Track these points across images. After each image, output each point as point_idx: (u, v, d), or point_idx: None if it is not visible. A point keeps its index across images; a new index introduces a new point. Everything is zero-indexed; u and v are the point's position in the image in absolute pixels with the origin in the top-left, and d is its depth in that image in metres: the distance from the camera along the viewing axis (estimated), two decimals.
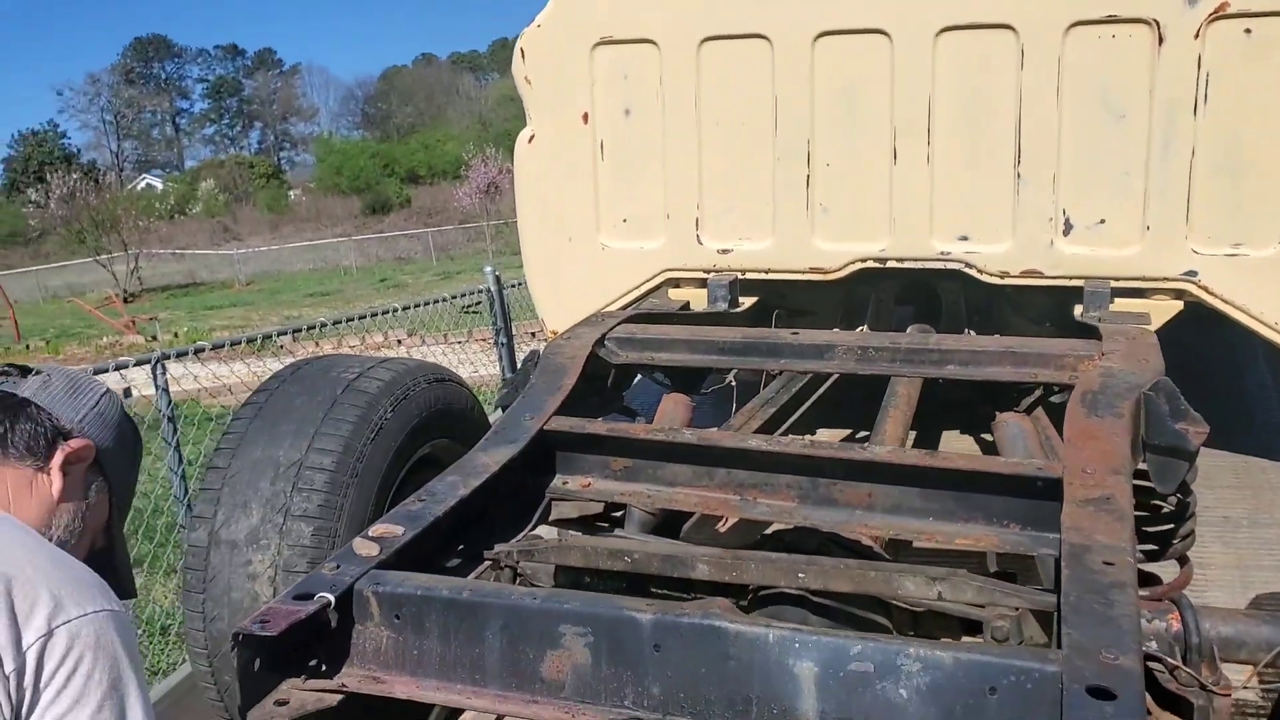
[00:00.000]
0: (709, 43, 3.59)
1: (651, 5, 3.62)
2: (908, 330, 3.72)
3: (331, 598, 1.62)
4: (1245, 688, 2.14)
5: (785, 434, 3.14)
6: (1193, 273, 3.31)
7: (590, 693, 1.52)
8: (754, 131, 3.62)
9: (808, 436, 2.34)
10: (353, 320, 6.34)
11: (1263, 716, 2.49)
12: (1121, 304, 3.39)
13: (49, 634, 1.22)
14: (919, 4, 3.38)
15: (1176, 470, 2.14)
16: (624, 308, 3.77)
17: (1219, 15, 3.14)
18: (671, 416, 2.80)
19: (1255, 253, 3.26)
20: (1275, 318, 3.27)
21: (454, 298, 7.95)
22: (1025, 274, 3.47)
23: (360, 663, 1.66)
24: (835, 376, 3.46)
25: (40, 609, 1.22)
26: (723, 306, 3.61)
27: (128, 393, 12.92)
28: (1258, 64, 3.14)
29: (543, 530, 2.29)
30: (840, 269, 3.64)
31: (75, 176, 36.67)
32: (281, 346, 14.35)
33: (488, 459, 2.13)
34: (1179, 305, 3.38)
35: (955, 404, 3.45)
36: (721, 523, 2.50)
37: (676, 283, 3.83)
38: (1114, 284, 3.38)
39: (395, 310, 6.51)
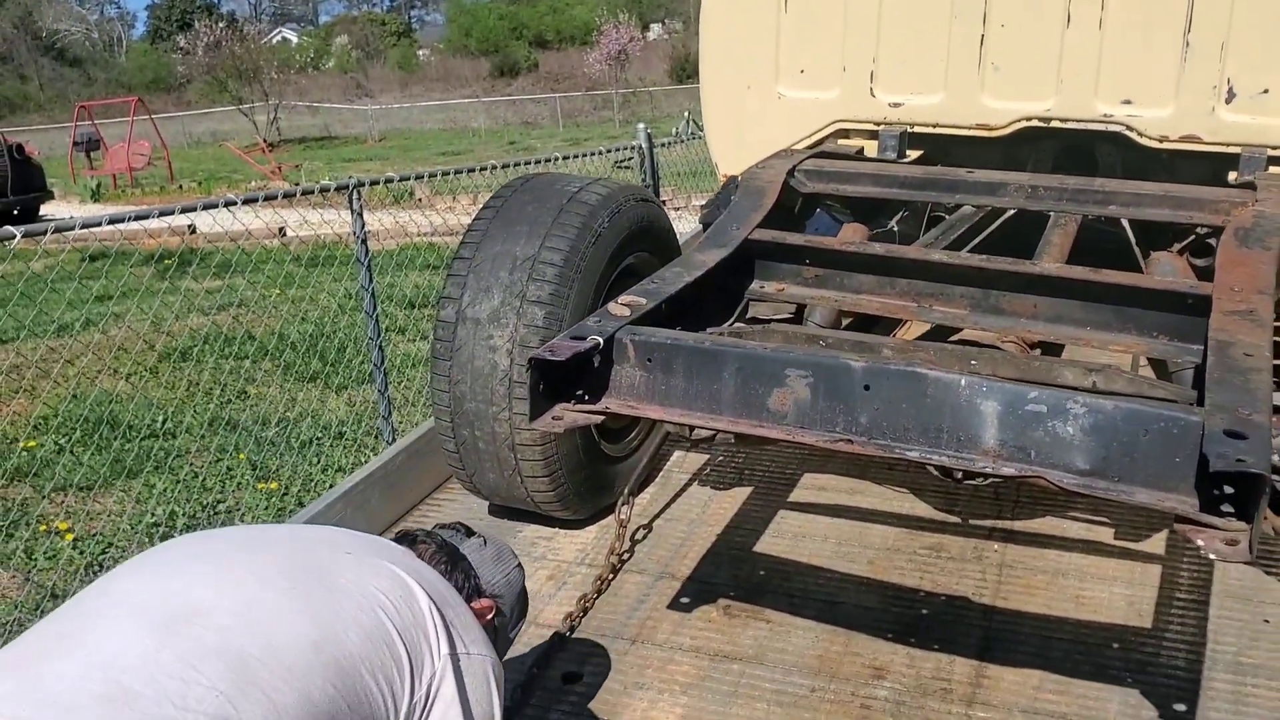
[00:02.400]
0: None
1: None
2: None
3: (601, 339, 2.03)
4: None
5: None
6: None
7: (808, 421, 1.90)
8: None
9: (981, 256, 2.63)
10: (518, 165, 6.74)
11: None
12: (1276, 171, 3.57)
13: (466, 654, 1.65)
14: None
15: None
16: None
17: None
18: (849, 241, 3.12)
19: None
20: None
21: (608, 151, 8.28)
22: (1184, 139, 3.65)
23: (618, 395, 2.07)
24: (995, 226, 3.73)
25: (461, 635, 1.66)
26: (892, 156, 3.88)
27: (283, 231, 13.61)
28: None
29: (740, 326, 2.67)
30: (1006, 126, 3.86)
31: (221, 25, 37.57)
32: (419, 200, 14.90)
33: (704, 257, 2.50)
34: None
35: (1105, 252, 3.70)
36: (903, 328, 2.83)
37: (847, 133, 4.10)
38: (1271, 153, 3.55)
39: (556, 159, 6.87)
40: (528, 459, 2.84)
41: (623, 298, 2.26)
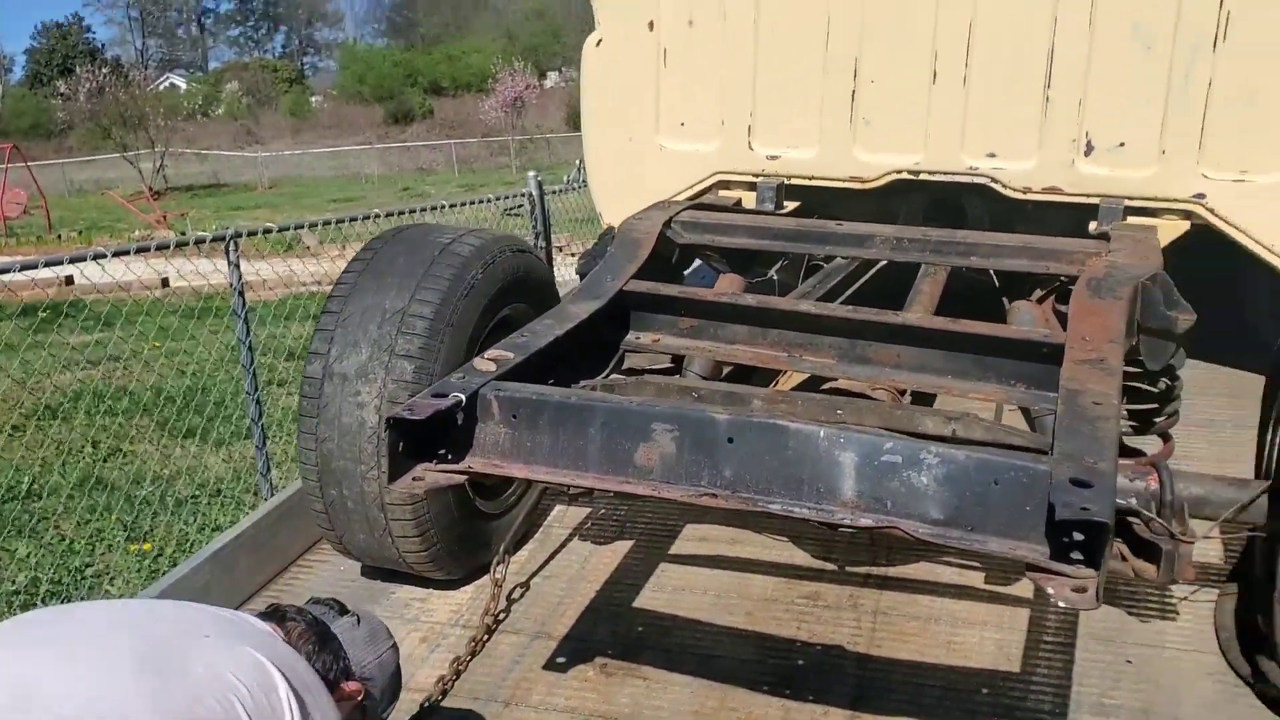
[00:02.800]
0: None
1: None
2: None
3: (463, 396, 1.99)
4: (1207, 537, 2.52)
5: None
6: (1201, 195, 3.61)
7: (674, 476, 1.89)
8: (807, 46, 3.90)
9: (848, 307, 2.67)
10: (410, 212, 6.66)
11: (1222, 579, 2.88)
12: (1134, 221, 3.71)
13: None
14: None
15: (1164, 350, 2.49)
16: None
17: None
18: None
19: (1260, 179, 3.56)
20: (1272, 240, 3.59)
21: (498, 199, 8.25)
22: (1046, 190, 3.78)
23: (482, 453, 2.03)
24: (868, 274, 3.80)
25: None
26: (769, 208, 3.93)
27: (165, 282, 13.25)
28: (1272, 5, 3.42)
29: (616, 378, 2.65)
30: (878, 179, 3.95)
31: (105, 71, 36.72)
32: (308, 248, 14.66)
33: (577, 309, 2.49)
34: (1186, 225, 3.70)
35: (975, 299, 3.80)
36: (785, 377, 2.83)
37: (728, 184, 4.15)
38: (1128, 203, 3.69)
39: (443, 206, 6.82)
40: (398, 518, 2.78)
41: (490, 352, 2.23)
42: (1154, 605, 2.82)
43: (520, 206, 7.57)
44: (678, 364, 2.87)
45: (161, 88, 73.12)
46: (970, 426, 2.23)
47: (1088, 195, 3.72)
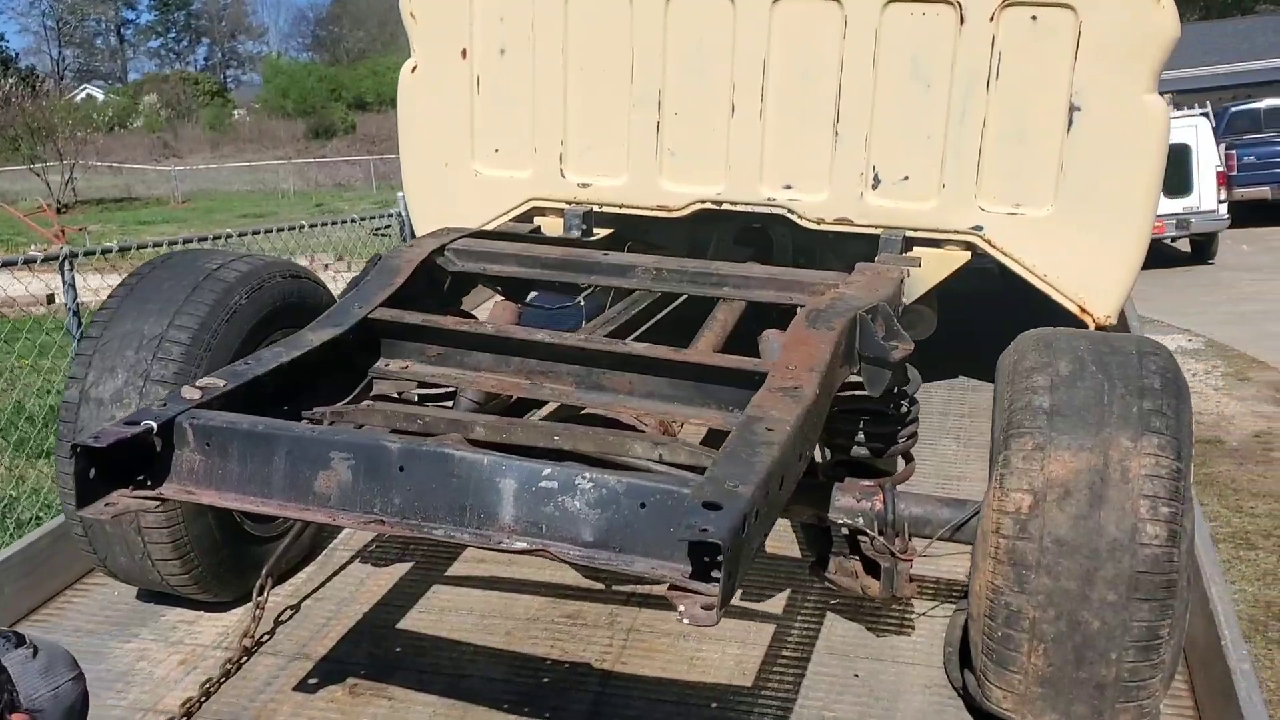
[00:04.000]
0: None
1: None
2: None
3: (154, 424, 2.04)
4: (923, 556, 2.65)
5: None
6: (979, 227, 3.79)
7: (349, 503, 1.95)
8: (613, 78, 4.02)
9: (588, 335, 2.76)
10: (257, 233, 6.67)
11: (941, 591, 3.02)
12: (919, 252, 3.88)
13: None
14: None
15: (881, 378, 2.61)
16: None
17: (1011, 2, 3.60)
18: (498, 320, 3.22)
19: (1032, 212, 3.74)
20: (1044, 270, 3.77)
21: (363, 220, 8.27)
22: (838, 221, 3.93)
23: (177, 479, 2.08)
24: (677, 302, 3.91)
25: None
26: (576, 234, 4.03)
27: (51, 299, 13.04)
28: (1040, 47, 3.61)
29: (346, 405, 2.70)
30: (683, 208, 4.07)
31: (11, 81, 35.91)
32: None
33: (313, 337, 2.54)
34: (967, 255, 3.87)
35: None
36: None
37: (543, 211, 4.25)
38: (913, 234, 3.85)
39: (302, 227, 6.83)
40: (156, 541, 2.80)
41: (200, 380, 2.28)
42: (893, 620, 2.94)
43: (388, 226, 7.62)
44: (455, 393, 2.94)
45: (79, 99, 71.68)
46: (675, 451, 2.33)
47: (876, 226, 3.87)
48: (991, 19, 3.63)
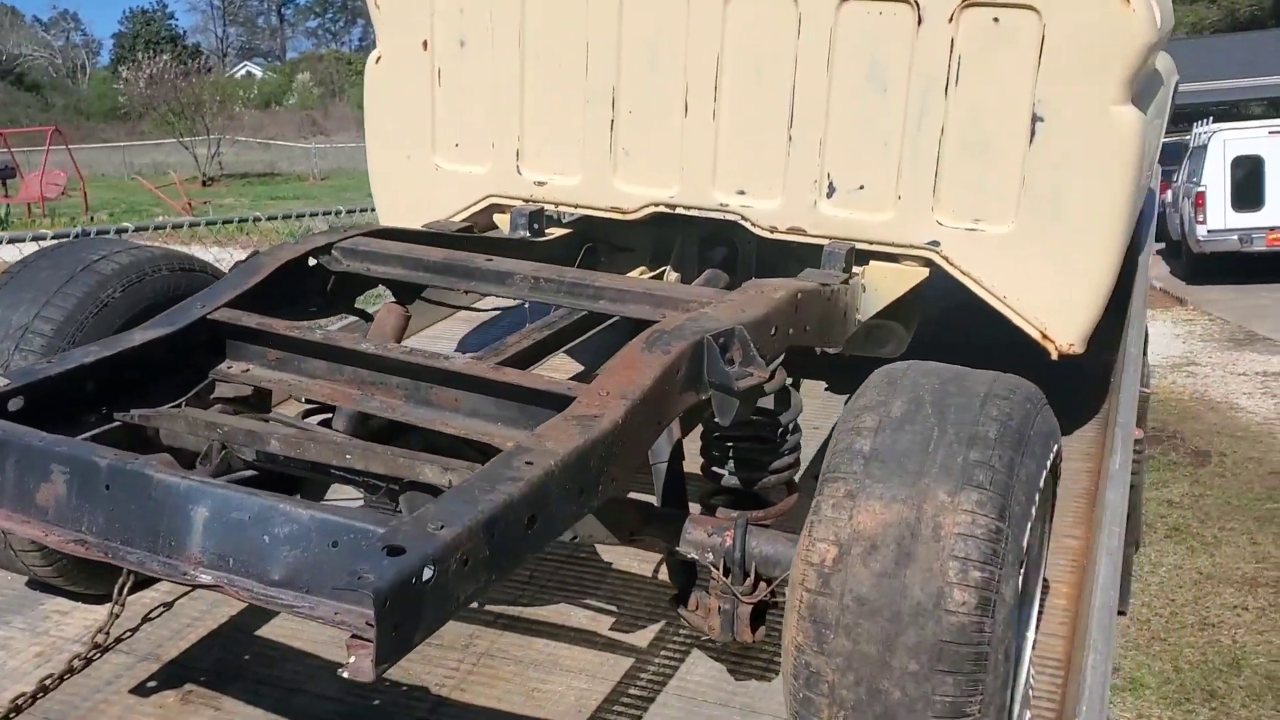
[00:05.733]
0: None
1: None
2: (704, 274, 4.01)
3: None
4: (765, 598, 2.46)
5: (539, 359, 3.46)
6: (936, 243, 3.53)
7: (63, 519, 1.89)
8: (568, 73, 3.88)
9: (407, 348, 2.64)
10: (304, 216, 6.76)
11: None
12: (875, 266, 3.64)
13: None
14: None
15: (729, 406, 2.43)
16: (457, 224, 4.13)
17: (971, 3, 3.32)
18: (383, 323, 3.13)
19: (991, 229, 3.46)
20: (1004, 291, 3.49)
21: None
22: (791, 230, 3.71)
23: None
24: (613, 320, 3.76)
25: None
26: (522, 234, 3.92)
27: None
28: (1002, 52, 3.32)
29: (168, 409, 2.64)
30: (637, 210, 3.91)
31: (165, 58, 37.62)
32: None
33: (138, 336, 2.50)
34: (925, 272, 3.61)
35: None
36: None
37: (502, 208, 4.14)
38: (869, 247, 3.61)
39: (339, 212, 6.89)
40: None
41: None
42: (758, 665, 2.76)
43: None
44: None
45: (239, 75, 74.78)
46: (464, 475, 2.20)
47: (829, 237, 3.64)
48: (951, 20, 3.35)
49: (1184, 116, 31.01)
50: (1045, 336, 3.49)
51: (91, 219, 22.00)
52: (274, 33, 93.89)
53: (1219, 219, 16.88)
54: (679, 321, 2.50)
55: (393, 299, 3.21)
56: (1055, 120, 3.30)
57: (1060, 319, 3.46)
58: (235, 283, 2.75)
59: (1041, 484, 2.20)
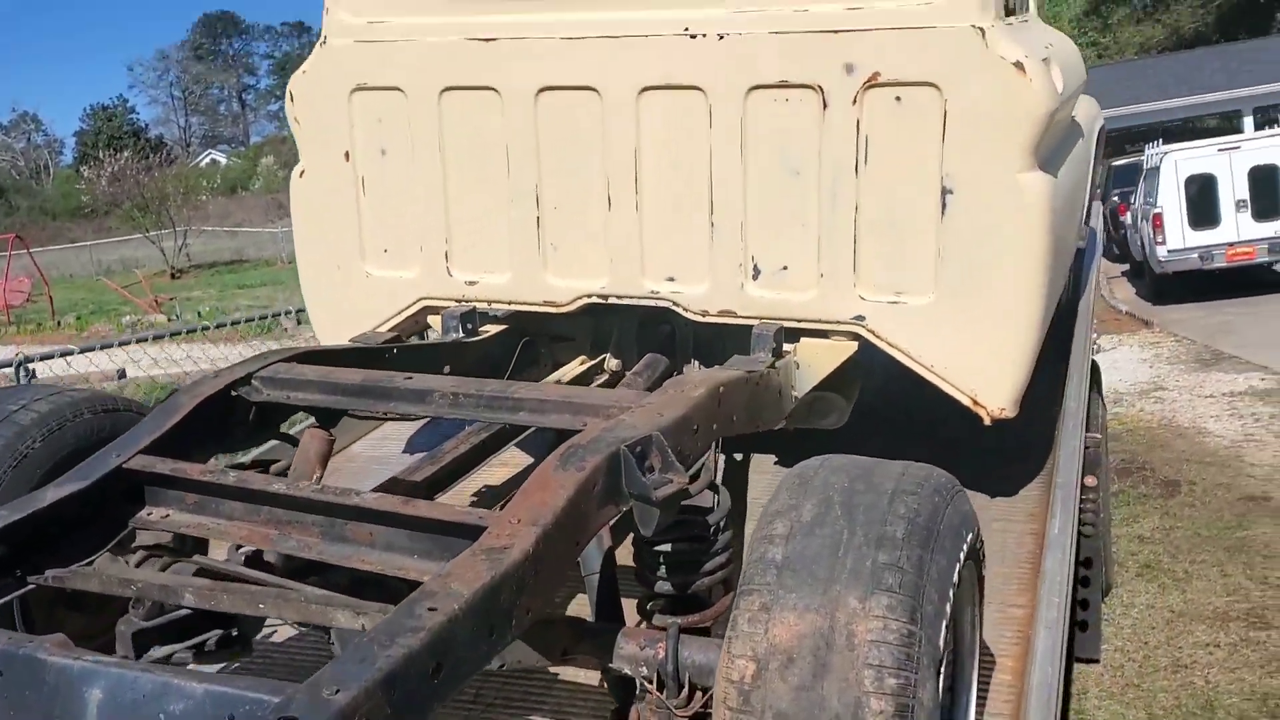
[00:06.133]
0: (448, 92, 3.89)
1: (398, 56, 3.93)
2: (643, 359, 4.02)
3: None
4: (700, 709, 2.44)
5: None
6: (861, 317, 3.55)
7: None
8: (491, 174, 3.91)
9: (317, 486, 2.63)
10: (265, 318, 6.76)
11: None
12: (806, 343, 3.66)
13: None
14: (623, 65, 3.65)
15: (649, 515, 2.42)
16: (388, 331, 4.14)
17: (872, 84, 3.38)
18: (306, 449, 3.12)
19: (913, 301, 3.49)
20: (931, 360, 3.51)
21: None
22: (722, 314, 3.73)
23: None
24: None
25: None
26: (455, 336, 3.92)
27: (122, 373, 13.47)
28: (908, 129, 3.37)
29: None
30: (570, 303, 3.93)
31: (126, 154, 37.75)
32: (286, 330, 14.91)
33: (50, 495, 2.48)
34: (854, 346, 3.63)
35: None
36: None
37: (435, 310, 4.15)
38: (797, 325, 3.64)
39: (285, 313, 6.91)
40: None
41: None
42: None
43: None
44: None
45: (203, 163, 75.05)
46: (376, 618, 2.18)
47: (759, 318, 3.66)
48: (855, 102, 3.40)
49: (1139, 136, 31.57)
50: (976, 403, 3.50)
51: (59, 324, 21.92)
52: (236, 119, 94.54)
53: (1178, 238, 17.07)
54: (594, 433, 2.49)
55: (316, 423, 3.19)
56: (964, 192, 3.35)
57: (989, 385, 3.48)
58: (153, 426, 2.74)
59: (956, 577, 2.20)
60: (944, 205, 3.38)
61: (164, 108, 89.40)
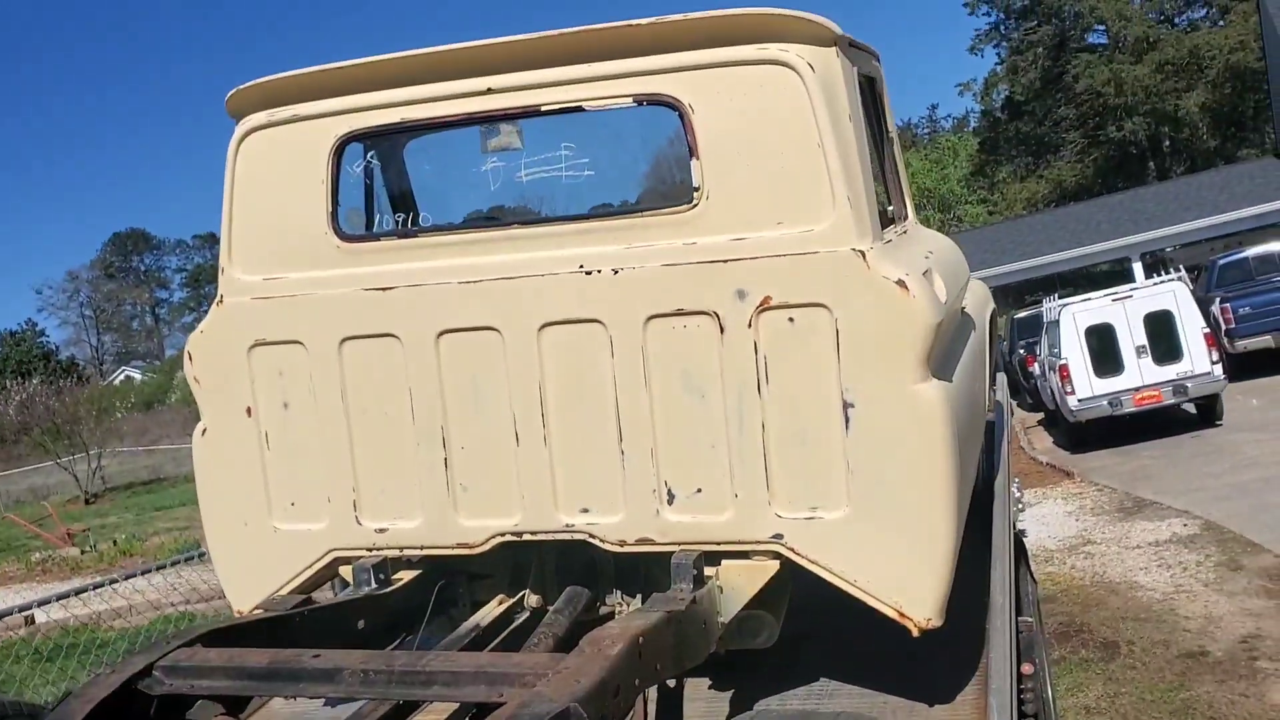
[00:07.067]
0: (348, 342, 3.89)
1: (296, 310, 3.93)
2: (565, 593, 3.93)
3: None
4: None
5: None
6: (780, 535, 3.53)
7: None
8: (395, 420, 3.88)
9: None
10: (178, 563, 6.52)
11: None
12: (727, 565, 3.62)
13: None
14: (521, 304, 3.69)
15: None
16: (298, 591, 4.00)
17: (765, 307, 3.45)
18: None
19: (828, 515, 3.48)
20: (853, 575, 3.48)
21: None
22: (640, 541, 3.69)
23: None
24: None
25: None
26: (368, 589, 3.81)
27: (30, 619, 12.99)
28: (803, 347, 3.43)
29: None
30: (483, 543, 3.85)
31: (35, 382, 37.14)
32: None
33: None
34: (776, 564, 3.60)
35: None
36: None
37: (347, 560, 4.04)
38: (716, 548, 3.60)
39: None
40: None
41: None
42: None
43: None
44: None
45: (117, 381, 74.17)
46: None
47: (677, 544, 3.62)
48: (750, 325, 3.47)
49: (1037, 285, 32.85)
50: (902, 615, 3.47)
51: None
52: (150, 333, 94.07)
53: (1085, 387, 17.56)
54: (510, 711, 2.40)
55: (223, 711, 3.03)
56: (864, 406, 3.39)
57: (911, 596, 3.45)
58: None
59: None
60: (847, 419, 3.42)
61: (75, 328, 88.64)
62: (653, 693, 3.48)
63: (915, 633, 3.46)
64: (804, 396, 3.46)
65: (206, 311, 4.34)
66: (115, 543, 20.37)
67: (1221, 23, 49.00)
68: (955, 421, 3.47)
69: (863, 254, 3.35)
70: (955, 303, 3.98)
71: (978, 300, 5.64)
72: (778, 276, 3.44)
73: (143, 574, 5.77)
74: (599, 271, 3.62)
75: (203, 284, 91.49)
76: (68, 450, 35.90)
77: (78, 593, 5.89)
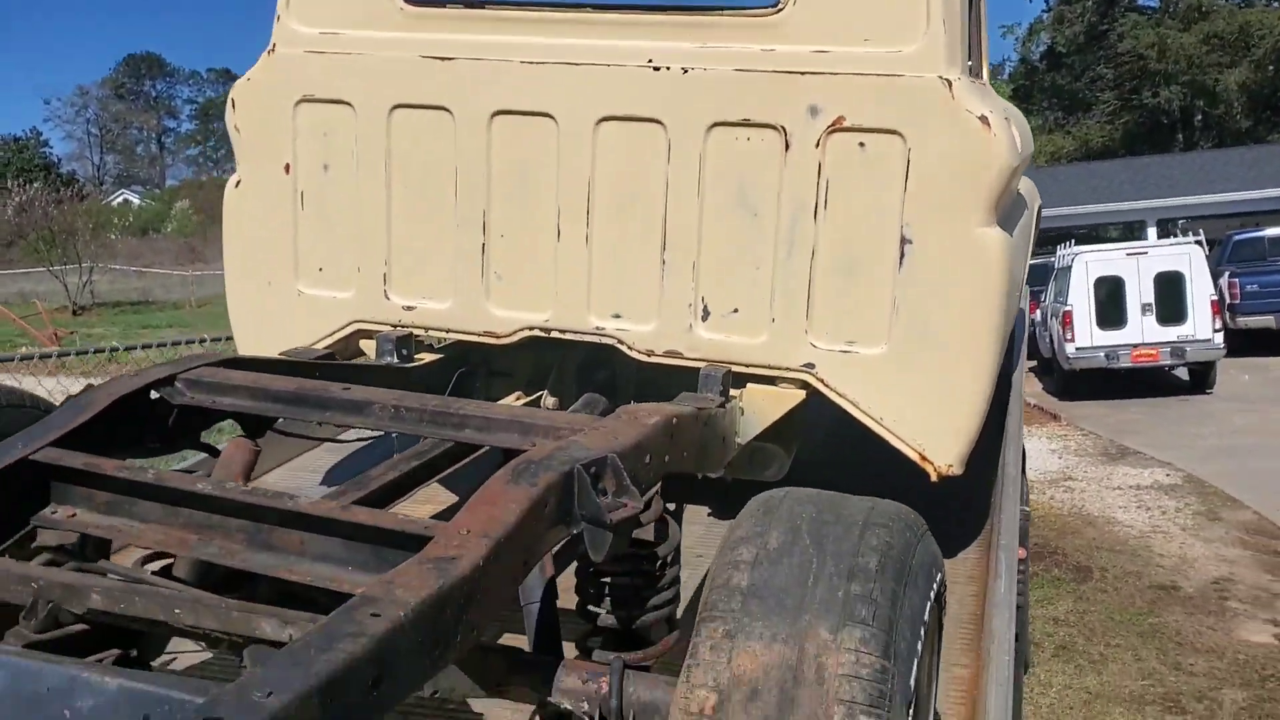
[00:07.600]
0: (399, 110, 3.78)
1: (349, 69, 3.81)
2: (582, 398, 3.89)
3: None
4: None
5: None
6: (811, 365, 3.48)
7: None
8: (437, 197, 3.79)
9: (246, 488, 2.47)
10: (165, 345, 6.48)
11: None
12: (752, 389, 3.57)
13: None
14: (581, 93, 3.58)
15: (602, 540, 2.28)
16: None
17: (836, 128, 3.35)
18: (229, 460, 2.92)
19: (865, 351, 3.43)
20: (880, 413, 3.45)
21: None
22: (668, 354, 3.64)
23: None
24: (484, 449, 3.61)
25: None
26: (390, 360, 3.76)
27: None
28: (869, 176, 3.34)
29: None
30: (511, 335, 3.80)
31: (36, 186, 36.70)
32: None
33: None
34: (802, 394, 3.56)
35: None
36: None
37: (369, 334, 3.99)
38: (744, 370, 3.55)
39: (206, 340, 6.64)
40: None
41: None
42: None
43: None
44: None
45: (115, 203, 73.39)
46: (306, 628, 2.00)
47: (705, 360, 3.58)
48: (818, 145, 3.37)
49: (1047, 239, 32.62)
50: (924, 458, 3.44)
51: None
52: (153, 160, 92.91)
53: (1086, 337, 17.56)
54: (547, 451, 2.36)
55: (242, 433, 3.00)
56: (923, 243, 3.32)
57: (937, 441, 3.43)
58: (63, 420, 2.53)
59: (926, 616, 2.11)
60: (902, 255, 3.34)
61: (79, 144, 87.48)
62: None
63: (934, 477, 3.43)
64: (861, 227, 3.38)
65: (213, 145, 4.20)
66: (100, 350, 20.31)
67: (1277, 3, 48.05)
68: (1010, 275, 3.41)
69: (949, 83, 3.24)
70: (1024, 163, 3.89)
71: (1029, 190, 5.55)
72: (855, 96, 3.33)
73: (143, 347, 5.69)
74: (667, 69, 3.50)
75: (212, 119, 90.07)
76: (60, 260, 35.69)
77: (78, 353, 5.83)
